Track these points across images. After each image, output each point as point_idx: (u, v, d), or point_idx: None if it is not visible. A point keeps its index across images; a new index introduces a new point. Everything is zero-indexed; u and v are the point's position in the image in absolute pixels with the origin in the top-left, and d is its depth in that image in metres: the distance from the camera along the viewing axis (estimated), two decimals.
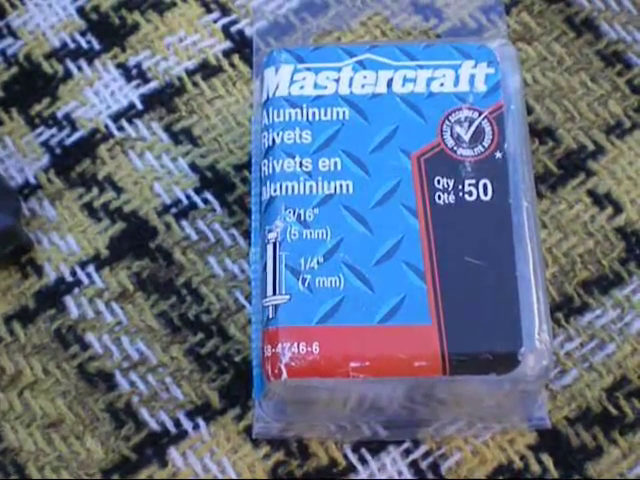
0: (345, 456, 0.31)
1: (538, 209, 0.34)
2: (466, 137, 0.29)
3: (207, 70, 0.36)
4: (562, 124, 0.35)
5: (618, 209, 0.34)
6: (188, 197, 0.35)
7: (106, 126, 0.36)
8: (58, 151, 0.35)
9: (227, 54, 0.37)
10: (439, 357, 0.27)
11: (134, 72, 0.36)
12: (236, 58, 0.36)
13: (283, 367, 0.27)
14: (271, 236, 0.29)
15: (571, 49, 0.36)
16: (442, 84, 0.30)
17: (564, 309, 0.33)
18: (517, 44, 0.36)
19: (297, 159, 0.29)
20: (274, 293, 0.28)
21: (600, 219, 0.34)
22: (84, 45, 0.37)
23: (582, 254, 0.33)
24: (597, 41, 0.36)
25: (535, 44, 0.36)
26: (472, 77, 0.30)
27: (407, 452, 0.31)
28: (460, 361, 0.27)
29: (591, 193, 0.34)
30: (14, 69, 0.37)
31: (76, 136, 0.36)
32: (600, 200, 0.34)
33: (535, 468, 0.31)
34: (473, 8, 0.37)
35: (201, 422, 0.32)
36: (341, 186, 0.29)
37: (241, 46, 0.37)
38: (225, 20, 0.37)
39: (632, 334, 0.32)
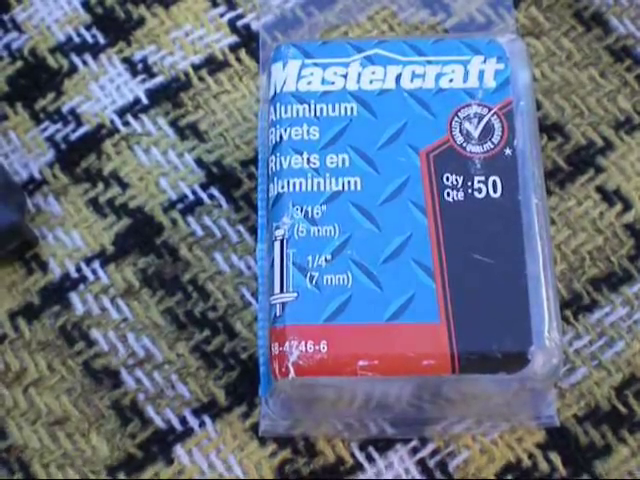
0: (352, 454, 0.31)
1: (547, 206, 0.34)
2: (475, 133, 0.29)
3: (213, 65, 0.36)
4: (571, 120, 0.35)
5: (627, 205, 0.34)
6: (194, 193, 0.34)
7: (111, 121, 0.36)
8: (63, 146, 0.35)
9: (233, 48, 0.36)
10: (448, 356, 0.27)
11: (140, 67, 0.36)
12: (242, 53, 0.36)
13: (290, 366, 0.27)
14: (278, 233, 0.29)
15: (580, 44, 0.36)
16: (451, 80, 0.30)
17: (573, 306, 0.32)
18: (525, 39, 0.36)
19: (305, 155, 0.29)
20: (281, 291, 0.28)
21: (609, 216, 0.34)
22: (89, 39, 0.37)
23: (591, 251, 0.33)
24: (606, 36, 0.36)
25: (544, 39, 0.36)
26: (481, 73, 0.30)
27: (414, 450, 0.31)
28: (469, 360, 0.27)
29: (600, 189, 0.34)
30: (19, 63, 0.36)
31: (81, 131, 0.35)
32: (609, 196, 0.34)
33: (543, 466, 0.31)
34: (481, 2, 0.36)
35: (207, 419, 0.32)
36: (349, 183, 0.29)
37: (247, 40, 0.36)
38: (231, 14, 0.37)
39: None
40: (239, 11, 0.37)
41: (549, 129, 0.35)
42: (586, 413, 0.31)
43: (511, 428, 0.31)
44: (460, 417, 0.31)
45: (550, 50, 0.36)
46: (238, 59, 0.36)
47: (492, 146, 0.29)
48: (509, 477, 0.31)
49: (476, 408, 0.30)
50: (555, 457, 0.31)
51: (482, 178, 0.29)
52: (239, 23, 0.37)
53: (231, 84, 0.36)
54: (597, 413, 0.31)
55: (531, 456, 0.31)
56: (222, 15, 0.37)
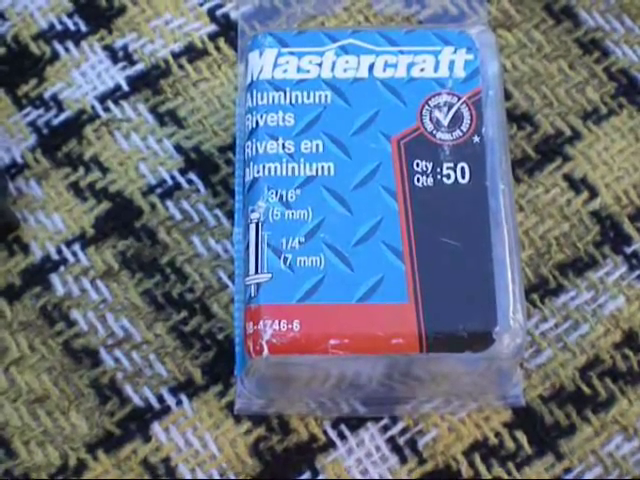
0: (325, 432, 0.32)
1: (515, 193, 0.35)
2: (445, 121, 0.30)
3: (193, 53, 0.37)
4: (540, 110, 0.36)
5: (593, 193, 0.35)
6: (173, 178, 0.35)
7: (92, 107, 0.36)
8: (45, 131, 0.36)
9: (212, 37, 0.37)
10: (416, 335, 0.28)
11: (120, 54, 0.37)
12: (221, 41, 0.37)
13: (264, 344, 0.28)
14: (254, 216, 0.29)
15: (550, 36, 0.37)
16: (422, 69, 0.31)
17: (539, 290, 0.34)
18: (497, 31, 0.37)
19: (280, 141, 0.30)
20: (256, 272, 0.29)
21: (576, 203, 0.35)
22: (71, 27, 0.37)
23: (558, 237, 0.34)
24: (576, 29, 0.37)
25: (515, 31, 0.37)
26: (452, 63, 0.31)
27: (385, 428, 0.32)
28: (436, 339, 0.28)
29: (567, 177, 0.35)
30: (2, 50, 0.37)
31: (63, 117, 0.36)
32: (576, 184, 0.35)
33: (509, 445, 0.32)
34: None
35: (184, 398, 0.33)
36: (322, 168, 0.30)
37: (226, 29, 0.37)
38: (211, 3, 0.38)
39: (605, 315, 0.33)
40: (218, 0, 0.38)
41: (519, 119, 0.36)
42: (551, 393, 0.32)
43: (478, 407, 0.32)
44: (429, 397, 0.32)
45: (521, 42, 0.37)
46: (217, 48, 0.37)
47: (461, 134, 0.30)
48: (476, 455, 0.32)
49: (445, 388, 0.31)
50: (521, 436, 0.32)
51: (451, 165, 0.30)
52: (218, 12, 0.38)
53: (210, 72, 0.37)
54: (562, 393, 0.32)
55: (498, 435, 0.32)
56: (202, 4, 0.38)
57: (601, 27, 0.37)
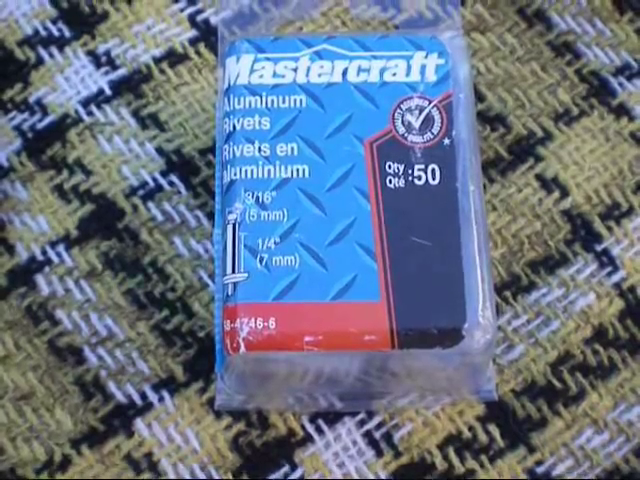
0: (303, 426, 0.33)
1: (488, 192, 0.35)
2: (416, 124, 0.31)
3: (174, 58, 0.38)
4: (513, 111, 0.37)
5: (564, 193, 0.36)
6: (155, 180, 0.36)
7: (76, 111, 0.37)
8: (30, 135, 0.37)
9: (193, 42, 0.38)
10: (387, 332, 0.29)
11: (103, 59, 0.38)
12: (202, 46, 0.38)
13: (241, 341, 0.29)
14: (231, 217, 0.30)
15: (523, 39, 0.38)
16: (394, 74, 0.32)
17: (512, 288, 0.34)
18: (471, 34, 0.38)
19: (256, 144, 0.31)
20: (233, 271, 0.30)
21: (547, 202, 0.35)
22: (55, 33, 0.38)
23: (530, 235, 0.35)
24: (548, 32, 0.38)
25: (488, 34, 0.38)
26: (423, 67, 0.32)
27: (362, 423, 0.33)
28: (407, 336, 0.29)
29: (539, 177, 0.36)
30: None
31: (47, 121, 0.37)
32: (548, 184, 0.36)
33: (483, 438, 0.33)
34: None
35: (166, 394, 0.33)
36: (297, 170, 0.31)
37: (207, 35, 0.38)
38: (191, 9, 0.38)
39: (576, 311, 0.34)
40: (199, 6, 0.38)
41: (492, 120, 0.36)
42: (523, 388, 0.33)
43: (452, 402, 0.33)
44: (404, 391, 0.32)
45: (494, 45, 0.38)
46: (197, 52, 0.38)
47: (432, 136, 0.31)
48: (450, 448, 0.33)
49: (419, 383, 0.32)
50: (494, 429, 0.33)
51: (422, 166, 0.30)
52: (199, 18, 0.38)
53: (191, 76, 0.37)
54: (533, 388, 0.33)
55: (471, 428, 0.33)
56: (182, 10, 0.38)
57: (573, 30, 0.38)
